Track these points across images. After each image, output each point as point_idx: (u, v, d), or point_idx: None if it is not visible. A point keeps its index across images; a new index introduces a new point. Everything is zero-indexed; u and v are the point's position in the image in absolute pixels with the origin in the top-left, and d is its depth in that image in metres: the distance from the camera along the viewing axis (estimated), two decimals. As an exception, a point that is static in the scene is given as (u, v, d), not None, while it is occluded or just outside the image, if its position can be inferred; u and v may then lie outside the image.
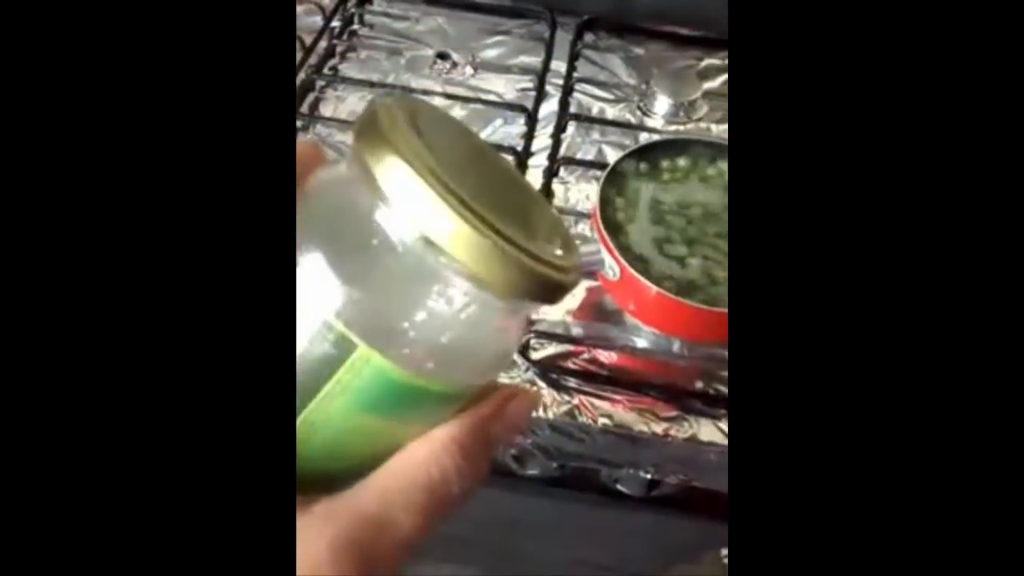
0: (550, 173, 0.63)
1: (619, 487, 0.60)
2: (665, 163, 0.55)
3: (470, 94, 0.69)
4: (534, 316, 0.53)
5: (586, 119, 0.68)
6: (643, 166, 0.55)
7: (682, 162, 0.55)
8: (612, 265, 0.48)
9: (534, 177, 0.62)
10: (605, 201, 0.52)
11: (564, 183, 0.64)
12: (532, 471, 0.62)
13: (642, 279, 0.47)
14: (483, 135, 0.66)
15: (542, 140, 0.66)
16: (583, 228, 0.59)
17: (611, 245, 0.48)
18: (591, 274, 0.52)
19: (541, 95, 0.69)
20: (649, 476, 0.53)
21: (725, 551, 0.69)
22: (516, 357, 0.51)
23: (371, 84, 0.68)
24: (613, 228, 0.50)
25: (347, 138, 0.62)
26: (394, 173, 0.18)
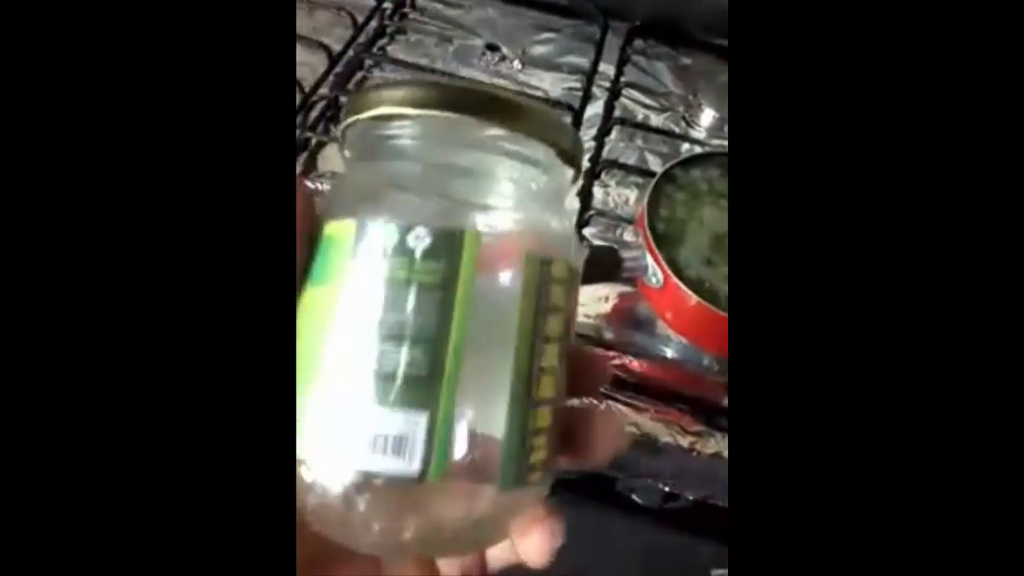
0: (592, 175, 0.62)
1: (634, 497, 0.60)
2: (716, 179, 0.54)
3: (517, 88, 0.69)
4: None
5: (631, 124, 0.68)
6: (693, 176, 0.54)
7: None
8: (656, 272, 0.47)
9: (575, 177, 0.62)
10: (653, 208, 0.51)
11: (604, 186, 0.63)
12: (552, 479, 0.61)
13: (685, 288, 0.46)
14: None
15: (585, 142, 0.65)
16: (621, 233, 0.59)
17: (657, 252, 0.47)
18: (631, 280, 0.52)
19: (588, 96, 0.68)
20: (667, 489, 0.52)
21: (717, 572, 0.69)
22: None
23: (419, 68, 0.68)
24: (660, 236, 0.49)
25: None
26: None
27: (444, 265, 0.19)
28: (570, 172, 0.23)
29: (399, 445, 0.18)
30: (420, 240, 0.19)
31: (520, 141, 0.21)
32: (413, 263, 0.19)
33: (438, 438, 0.18)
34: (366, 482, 0.18)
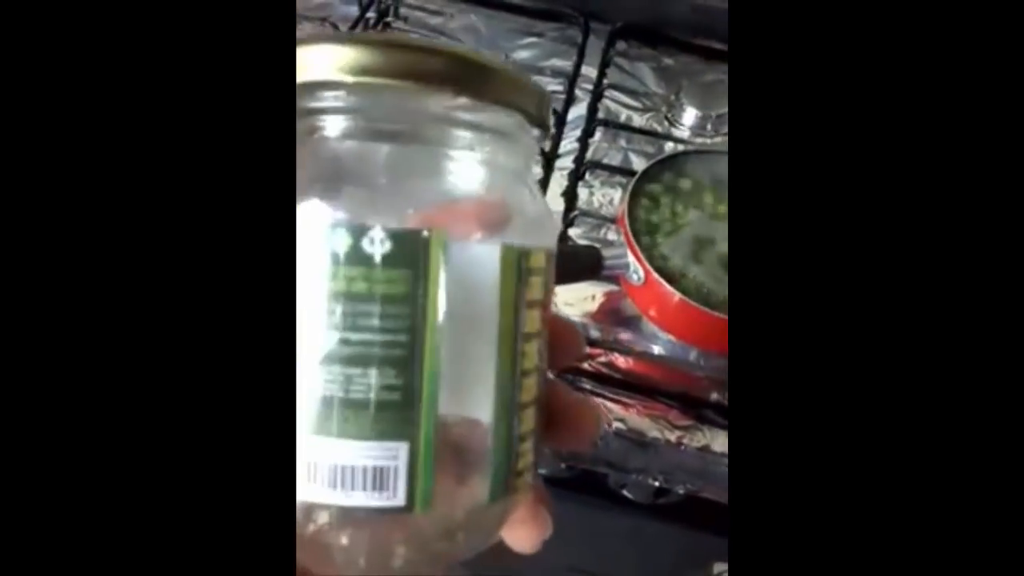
0: (576, 176, 0.63)
1: (625, 493, 0.60)
2: (696, 176, 0.55)
3: (500, 93, 0.69)
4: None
5: (614, 125, 0.68)
6: (673, 175, 0.55)
7: (714, 179, 0.55)
8: (637, 269, 0.48)
9: (559, 179, 0.63)
10: (634, 206, 0.52)
11: (589, 187, 0.64)
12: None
13: (666, 285, 0.47)
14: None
15: (569, 143, 0.66)
16: (606, 233, 0.59)
17: (638, 250, 0.48)
18: (614, 278, 0.52)
19: (571, 99, 0.69)
20: (657, 484, 0.53)
21: (718, 566, 0.69)
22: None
23: (403, 76, 0.69)
24: (640, 234, 0.50)
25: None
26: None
27: (409, 272, 0.16)
28: (538, 133, 0.20)
29: (379, 478, 0.16)
30: (378, 244, 0.16)
31: (486, 110, 0.18)
32: (373, 271, 0.16)
33: (421, 467, 0.16)
34: (347, 518, 0.17)
